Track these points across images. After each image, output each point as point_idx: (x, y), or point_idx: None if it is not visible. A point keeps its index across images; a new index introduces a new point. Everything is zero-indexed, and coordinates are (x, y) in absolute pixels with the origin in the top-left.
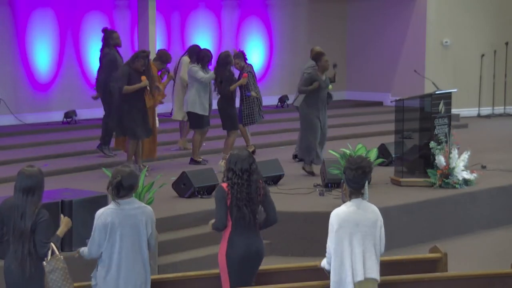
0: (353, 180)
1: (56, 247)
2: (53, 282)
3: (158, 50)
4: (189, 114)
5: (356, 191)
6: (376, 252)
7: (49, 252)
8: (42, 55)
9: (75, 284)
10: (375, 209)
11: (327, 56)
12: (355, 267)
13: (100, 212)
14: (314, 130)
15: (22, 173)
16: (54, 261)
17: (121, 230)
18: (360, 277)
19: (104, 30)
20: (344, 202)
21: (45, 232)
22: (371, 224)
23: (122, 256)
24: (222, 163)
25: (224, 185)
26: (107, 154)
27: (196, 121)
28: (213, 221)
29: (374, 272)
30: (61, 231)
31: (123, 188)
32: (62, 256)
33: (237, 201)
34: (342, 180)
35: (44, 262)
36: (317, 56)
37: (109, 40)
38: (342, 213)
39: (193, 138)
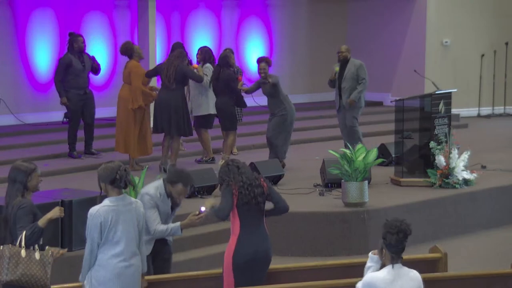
0: (395, 245)
1: (25, 237)
2: None
3: (125, 44)
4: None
5: (397, 256)
6: None
7: (18, 240)
8: (42, 55)
9: (63, 285)
10: (415, 275)
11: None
12: None
13: (94, 210)
14: None
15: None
16: (4, 248)
17: (117, 226)
18: None
19: (70, 34)
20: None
21: (20, 218)
22: None
23: (119, 254)
24: (222, 163)
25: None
26: (94, 153)
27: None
28: (213, 203)
29: None
30: (42, 220)
31: (124, 182)
32: (9, 246)
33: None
34: (380, 246)
35: (1, 247)
36: None
37: (74, 44)
38: (379, 282)
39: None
